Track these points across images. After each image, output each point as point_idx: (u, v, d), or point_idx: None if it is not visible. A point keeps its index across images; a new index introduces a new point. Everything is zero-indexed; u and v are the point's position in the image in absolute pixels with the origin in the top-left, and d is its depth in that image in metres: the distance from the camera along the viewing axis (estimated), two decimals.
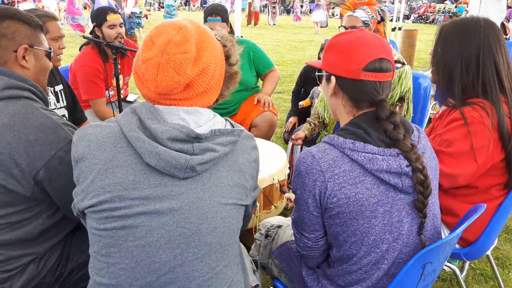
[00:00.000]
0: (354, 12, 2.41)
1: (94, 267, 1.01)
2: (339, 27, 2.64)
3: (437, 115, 1.79)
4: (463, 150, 1.49)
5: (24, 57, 1.29)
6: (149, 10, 15.87)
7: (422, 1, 26.85)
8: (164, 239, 0.95)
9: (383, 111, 1.12)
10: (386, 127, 1.11)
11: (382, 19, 2.54)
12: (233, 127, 1.06)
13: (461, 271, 1.78)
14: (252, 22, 17.54)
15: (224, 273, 1.04)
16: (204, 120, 1.00)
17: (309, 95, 3.74)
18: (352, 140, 1.10)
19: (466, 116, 1.48)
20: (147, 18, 15.96)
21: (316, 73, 1.28)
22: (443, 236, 1.54)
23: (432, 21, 23.04)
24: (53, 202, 1.30)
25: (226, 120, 1.07)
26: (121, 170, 0.94)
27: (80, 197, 0.99)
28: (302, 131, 2.69)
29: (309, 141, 2.79)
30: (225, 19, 2.83)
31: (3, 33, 1.25)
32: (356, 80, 1.14)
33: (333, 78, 1.19)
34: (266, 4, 21.37)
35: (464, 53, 1.52)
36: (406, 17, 17.60)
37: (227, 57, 1.06)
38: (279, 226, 1.58)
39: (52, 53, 1.40)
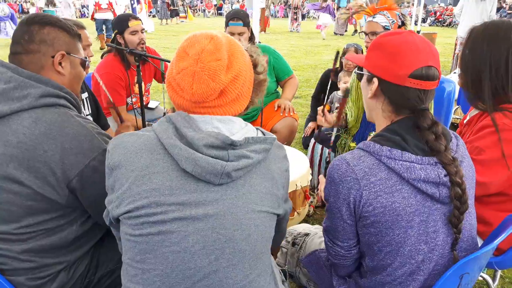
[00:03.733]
0: (374, 17, 2.38)
1: (127, 274, 1.02)
2: (359, 32, 2.62)
3: (464, 121, 1.75)
4: (495, 158, 1.45)
5: (60, 63, 1.32)
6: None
7: (439, 4, 26.57)
8: (199, 245, 0.96)
9: (425, 121, 1.09)
10: (427, 138, 1.08)
11: (403, 23, 2.51)
12: (264, 135, 1.06)
13: (493, 280, 1.73)
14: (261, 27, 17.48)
15: (257, 282, 1.03)
16: (236, 128, 1.02)
17: (329, 100, 3.71)
18: (389, 148, 1.07)
19: (498, 123, 1.44)
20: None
21: (356, 71, 1.25)
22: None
23: (449, 24, 22.75)
24: (85, 209, 1.31)
25: (257, 129, 1.08)
26: (158, 176, 0.96)
27: (115, 204, 1.00)
28: (331, 116, 2.64)
29: (323, 140, 2.76)
30: (246, 23, 2.85)
31: (43, 38, 1.28)
32: (400, 86, 1.10)
33: (375, 80, 1.15)
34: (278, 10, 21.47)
35: (493, 56, 1.49)
36: (423, 20, 17.45)
37: (255, 66, 1.09)
38: (307, 234, 1.56)
39: (87, 62, 1.43)
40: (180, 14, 21.74)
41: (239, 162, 0.96)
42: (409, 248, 1.09)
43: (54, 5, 14.46)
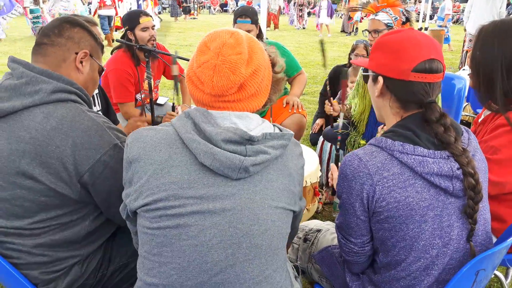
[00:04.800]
0: (376, 15, 2.37)
1: (144, 267, 1.02)
2: (362, 31, 2.60)
3: (479, 120, 1.74)
4: (510, 157, 1.44)
5: (81, 62, 1.35)
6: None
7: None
8: (217, 239, 0.96)
9: (433, 113, 1.09)
10: (436, 130, 1.08)
11: (408, 20, 2.49)
12: (281, 131, 1.06)
13: (506, 277, 1.72)
14: (272, 25, 17.31)
15: (273, 278, 1.03)
16: (254, 124, 1.02)
17: (337, 96, 3.70)
18: (401, 142, 1.08)
19: None
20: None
21: (362, 73, 1.26)
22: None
23: (457, 21, 22.58)
24: (97, 205, 1.32)
25: (274, 125, 1.08)
26: (177, 170, 0.96)
27: (133, 197, 1.01)
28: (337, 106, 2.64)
29: (332, 138, 2.75)
30: (254, 21, 2.84)
31: (71, 36, 1.33)
32: (405, 81, 1.11)
33: (380, 79, 1.16)
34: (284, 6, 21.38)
35: (505, 56, 1.46)
36: (430, 17, 17.32)
37: (273, 65, 1.11)
38: (319, 230, 1.56)
39: (104, 72, 1.47)
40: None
41: (257, 157, 0.96)
42: (423, 243, 1.09)
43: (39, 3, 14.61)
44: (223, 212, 0.96)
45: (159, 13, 21.18)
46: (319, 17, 15.59)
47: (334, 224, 1.41)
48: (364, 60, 1.27)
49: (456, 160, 1.07)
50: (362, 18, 15.52)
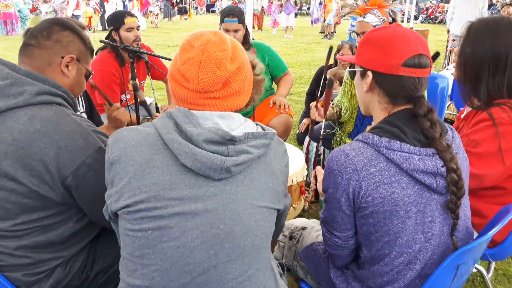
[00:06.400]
0: (364, 17, 2.37)
1: (127, 269, 1.01)
2: (350, 32, 2.62)
3: (461, 115, 1.77)
4: (491, 151, 1.47)
5: (67, 66, 1.33)
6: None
7: (430, 1, 26.72)
8: (199, 240, 0.96)
9: (421, 108, 1.11)
10: (423, 125, 1.10)
11: (394, 20, 2.51)
12: (264, 130, 1.06)
13: (488, 272, 1.75)
14: (256, 26, 17.05)
15: (256, 277, 1.03)
16: (236, 124, 1.02)
17: (323, 96, 3.72)
18: (388, 139, 1.09)
19: (495, 116, 1.46)
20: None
21: (349, 69, 1.26)
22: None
23: (441, 22, 22.89)
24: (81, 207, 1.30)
25: (257, 124, 1.09)
26: (158, 171, 0.96)
27: (115, 198, 1.00)
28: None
29: (325, 139, 2.76)
30: (241, 20, 2.84)
31: (59, 39, 1.31)
32: (394, 75, 1.12)
33: (369, 73, 1.17)
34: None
35: (494, 53, 1.48)
36: (415, 17, 17.49)
37: (253, 67, 1.12)
38: (304, 228, 1.57)
39: (90, 76, 1.46)
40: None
41: (238, 157, 0.96)
42: (406, 238, 1.11)
43: None
44: (205, 213, 0.96)
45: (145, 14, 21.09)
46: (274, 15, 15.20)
47: (319, 221, 1.42)
48: (351, 56, 1.28)
49: (440, 156, 1.09)
50: (337, 22, 15.33)
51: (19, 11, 13.99)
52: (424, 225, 1.11)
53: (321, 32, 15.27)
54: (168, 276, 0.96)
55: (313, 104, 2.44)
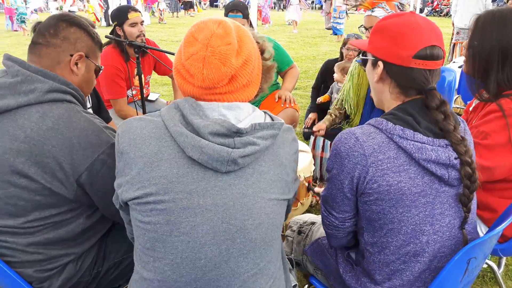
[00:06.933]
0: (372, 11, 2.34)
1: (140, 260, 1.02)
2: (359, 27, 2.60)
3: (470, 108, 1.75)
4: (500, 142, 1.45)
5: (77, 64, 1.33)
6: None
7: None
8: (209, 235, 0.95)
9: (433, 100, 1.09)
10: (436, 117, 1.08)
11: None
12: (272, 120, 1.05)
13: (499, 267, 1.74)
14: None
15: (267, 269, 1.03)
16: (244, 115, 1.00)
17: (329, 90, 3.71)
18: (401, 127, 1.07)
19: (504, 108, 1.45)
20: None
21: (361, 56, 1.25)
22: (479, 231, 1.51)
23: (446, 14, 22.70)
24: (92, 203, 1.31)
25: (265, 113, 1.07)
26: (165, 164, 0.95)
27: (125, 187, 1.00)
28: (323, 122, 2.67)
29: (331, 134, 2.76)
30: (245, 15, 2.83)
31: (67, 36, 1.30)
32: (405, 67, 1.10)
33: (380, 63, 1.15)
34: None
35: (502, 45, 1.47)
36: (420, 10, 17.34)
37: (262, 52, 1.08)
38: (313, 223, 1.57)
39: (100, 71, 1.45)
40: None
41: (245, 149, 0.95)
42: (412, 227, 1.10)
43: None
44: (215, 208, 0.95)
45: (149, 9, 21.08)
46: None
47: None
48: (363, 42, 1.25)
49: (454, 149, 1.08)
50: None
51: (16, 9, 14.06)
52: (433, 217, 1.10)
53: (326, 29, 15.10)
54: (179, 271, 0.97)
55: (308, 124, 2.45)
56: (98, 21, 15.26)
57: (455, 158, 1.07)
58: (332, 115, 2.70)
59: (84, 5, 16.22)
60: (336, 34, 12.27)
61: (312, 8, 26.50)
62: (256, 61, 1.03)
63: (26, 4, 14.75)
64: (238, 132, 0.95)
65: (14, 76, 1.21)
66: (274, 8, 23.33)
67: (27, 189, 1.20)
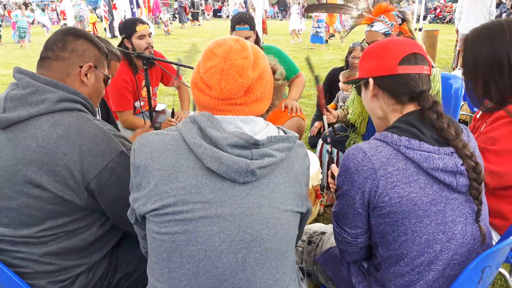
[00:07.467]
0: (372, 26, 2.33)
1: (154, 273, 1.03)
2: (361, 42, 2.60)
3: (477, 115, 1.76)
4: (509, 148, 1.46)
5: (86, 74, 1.35)
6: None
7: (438, 1, 26.56)
8: (226, 244, 0.96)
9: (425, 101, 1.13)
10: (430, 117, 1.12)
11: (404, 20, 2.47)
12: (286, 134, 1.07)
13: (510, 274, 1.73)
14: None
15: (283, 281, 1.04)
16: (259, 128, 1.03)
17: (335, 99, 3.72)
18: (407, 138, 1.10)
19: None
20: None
21: (354, 87, 1.31)
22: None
23: (449, 21, 22.75)
24: (104, 211, 1.32)
25: (278, 128, 1.10)
26: (184, 175, 0.97)
27: (142, 201, 1.01)
28: (336, 111, 2.66)
29: (338, 141, 2.75)
30: (252, 27, 2.85)
31: (75, 48, 1.33)
32: (393, 75, 1.17)
33: (370, 80, 1.22)
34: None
35: (495, 58, 1.49)
36: (423, 17, 17.40)
37: (273, 72, 1.13)
38: (323, 233, 1.57)
39: (109, 80, 1.48)
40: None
41: (263, 160, 0.97)
42: (426, 237, 1.11)
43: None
44: (232, 217, 0.97)
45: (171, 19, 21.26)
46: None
47: None
48: (354, 75, 1.32)
49: (459, 156, 1.10)
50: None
51: (16, 22, 14.33)
52: (445, 225, 1.11)
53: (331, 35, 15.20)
54: (195, 280, 0.97)
55: (324, 109, 2.44)
56: (96, 32, 15.50)
57: (461, 165, 1.09)
58: (345, 110, 2.70)
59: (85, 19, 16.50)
60: (315, 43, 12.40)
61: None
62: (269, 77, 1.08)
63: (28, 17, 15.02)
64: (256, 144, 0.98)
65: (25, 88, 1.23)
66: (278, 17, 23.48)
67: (39, 199, 1.21)
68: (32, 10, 17.59)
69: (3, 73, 8.97)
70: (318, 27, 12.08)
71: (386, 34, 2.31)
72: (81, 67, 1.34)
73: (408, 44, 1.18)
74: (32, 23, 16.72)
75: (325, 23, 13.17)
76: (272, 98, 1.11)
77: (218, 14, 30.19)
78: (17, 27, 14.24)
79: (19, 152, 1.19)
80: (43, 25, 18.38)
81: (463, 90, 3.33)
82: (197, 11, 22.19)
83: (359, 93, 1.32)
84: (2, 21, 15.28)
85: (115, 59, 2.06)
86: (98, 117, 2.27)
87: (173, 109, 2.88)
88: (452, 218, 1.11)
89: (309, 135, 4.05)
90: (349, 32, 2.51)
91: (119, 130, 2.50)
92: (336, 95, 3.70)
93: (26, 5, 16.86)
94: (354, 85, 1.34)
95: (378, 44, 1.23)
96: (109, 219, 1.36)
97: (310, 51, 11.66)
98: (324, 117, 2.42)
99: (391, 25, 2.34)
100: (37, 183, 1.19)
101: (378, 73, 1.20)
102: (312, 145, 3.93)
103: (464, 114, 3.97)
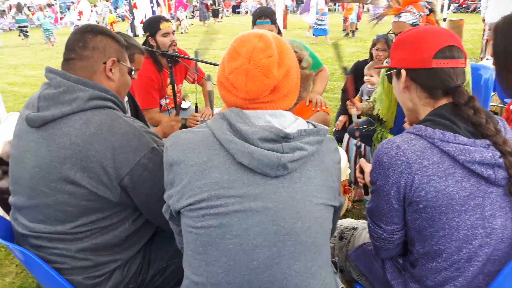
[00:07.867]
0: (400, 17, 2.29)
1: (190, 266, 1.04)
2: (387, 33, 2.55)
3: (510, 107, 1.71)
4: None
5: (111, 69, 1.37)
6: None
7: None
8: (261, 237, 0.97)
9: (461, 97, 1.10)
10: (466, 113, 1.08)
11: (431, 11, 2.42)
12: (315, 127, 1.06)
13: None
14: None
15: (319, 274, 1.04)
16: (288, 122, 1.03)
17: (359, 92, 3.67)
18: (441, 131, 1.07)
19: None
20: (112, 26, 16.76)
21: (385, 73, 1.27)
22: None
23: (474, 10, 22.11)
24: (137, 207, 1.34)
25: (308, 122, 1.09)
26: (216, 171, 0.98)
27: (176, 198, 1.03)
28: (361, 105, 2.63)
29: (364, 135, 2.71)
30: (273, 20, 2.85)
31: (96, 45, 1.34)
32: (427, 69, 1.13)
33: (403, 71, 1.18)
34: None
35: None
36: (448, 7, 16.93)
37: (299, 61, 1.11)
38: (354, 228, 1.55)
39: (133, 71, 1.49)
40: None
41: (294, 154, 0.97)
42: (464, 232, 1.08)
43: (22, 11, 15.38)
44: (265, 211, 0.97)
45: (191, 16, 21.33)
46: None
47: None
48: (385, 65, 1.28)
49: (496, 148, 1.06)
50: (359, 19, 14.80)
51: (40, 24, 14.66)
52: (484, 220, 1.08)
53: (343, 30, 14.90)
54: (232, 273, 0.98)
55: (348, 102, 2.41)
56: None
57: (499, 157, 1.05)
58: (371, 103, 2.66)
59: (104, 18, 16.73)
60: (318, 36, 12.24)
61: (335, 10, 26.33)
62: (296, 71, 1.07)
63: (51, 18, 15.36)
64: (286, 137, 0.97)
65: (57, 87, 1.26)
66: (297, 11, 23.32)
67: (74, 195, 1.24)
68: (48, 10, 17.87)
69: (31, 74, 9.21)
70: (321, 19, 11.95)
71: (414, 25, 2.26)
72: (104, 63, 1.36)
73: (444, 36, 1.14)
74: (55, 24, 17.11)
75: (344, 16, 13.00)
76: (299, 90, 1.10)
77: (237, 10, 30.17)
78: (42, 29, 14.58)
79: (54, 150, 1.22)
80: (72, 23, 18.65)
81: (493, 80, 3.24)
82: (218, 7, 22.21)
83: (390, 81, 1.28)
84: (27, 23, 15.65)
85: (138, 52, 2.08)
86: (128, 114, 2.30)
87: (196, 104, 2.90)
88: (492, 212, 1.08)
89: (333, 129, 4.01)
90: (377, 22, 2.46)
91: (148, 127, 2.53)
92: (360, 89, 3.65)
93: (49, 5, 17.23)
94: (385, 73, 1.30)
95: (413, 33, 1.18)
96: (141, 215, 1.38)
97: (330, 45, 11.52)
98: (353, 111, 2.38)
99: (419, 16, 2.29)
100: (71, 180, 1.22)
101: (411, 65, 1.16)
102: (338, 140, 3.88)
103: (494, 105, 3.86)
